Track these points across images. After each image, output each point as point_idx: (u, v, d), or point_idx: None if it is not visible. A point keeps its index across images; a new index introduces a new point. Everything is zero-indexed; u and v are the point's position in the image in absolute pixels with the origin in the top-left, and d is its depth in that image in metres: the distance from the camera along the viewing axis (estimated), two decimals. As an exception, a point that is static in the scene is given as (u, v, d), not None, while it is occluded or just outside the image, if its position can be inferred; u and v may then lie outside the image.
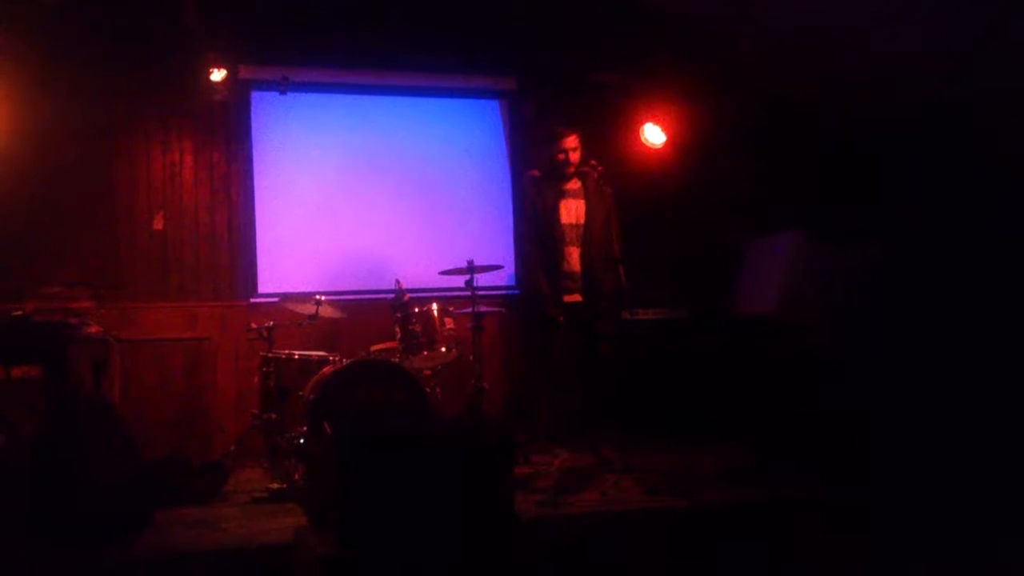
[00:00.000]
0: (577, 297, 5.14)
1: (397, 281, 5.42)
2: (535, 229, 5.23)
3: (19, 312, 4.40)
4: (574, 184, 5.23)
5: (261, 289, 6.24)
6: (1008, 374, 5.01)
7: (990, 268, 5.38)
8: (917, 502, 4.21)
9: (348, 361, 5.01)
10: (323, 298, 5.30)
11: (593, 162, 5.12)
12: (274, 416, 5.10)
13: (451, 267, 5.44)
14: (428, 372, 5.47)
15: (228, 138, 6.26)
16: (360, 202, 6.52)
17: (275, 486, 4.70)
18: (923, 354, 5.16)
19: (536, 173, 5.24)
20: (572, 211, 5.20)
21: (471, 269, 5.34)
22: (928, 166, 5.88)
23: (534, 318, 5.31)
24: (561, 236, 5.13)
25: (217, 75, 5.81)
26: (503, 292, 6.60)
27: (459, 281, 5.44)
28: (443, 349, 5.26)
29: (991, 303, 5.31)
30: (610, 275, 4.95)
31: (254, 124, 6.35)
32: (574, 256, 5.17)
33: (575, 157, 5.17)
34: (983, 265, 5.41)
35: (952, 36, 5.26)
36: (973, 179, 5.72)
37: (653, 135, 6.27)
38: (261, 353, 5.26)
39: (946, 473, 4.44)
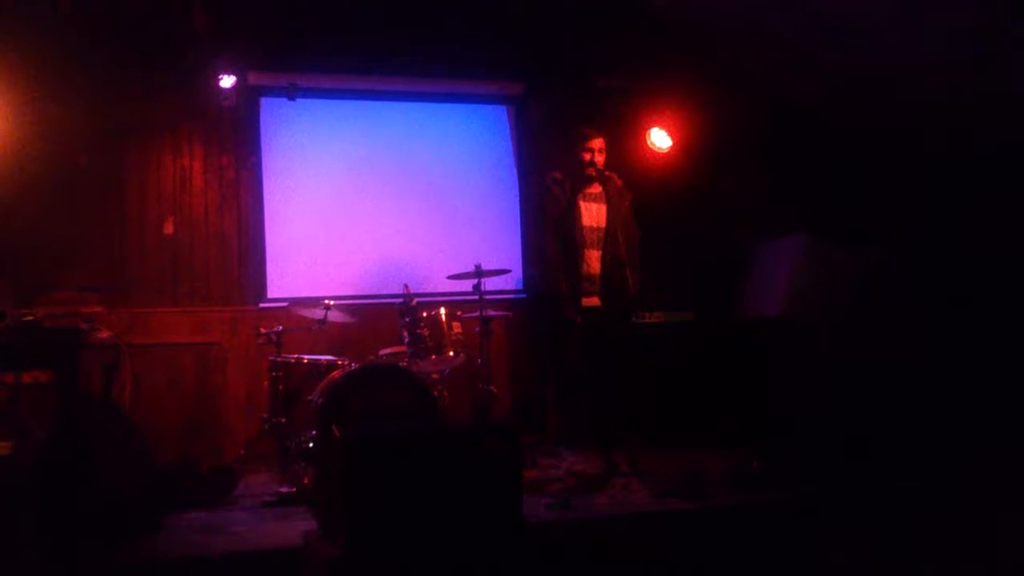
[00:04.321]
0: (595, 301, 5.09)
1: (405, 285, 5.43)
2: (556, 230, 5.12)
3: (30, 317, 4.42)
4: (595, 188, 5.19)
5: (270, 294, 6.27)
6: (1012, 374, 5.01)
7: (993, 271, 5.37)
8: (919, 501, 4.22)
9: (357, 365, 5.02)
10: (332, 303, 5.32)
11: (614, 174, 5.13)
12: (283, 420, 5.12)
13: (459, 271, 5.46)
14: (436, 376, 5.48)
15: (237, 144, 6.29)
16: (368, 207, 6.54)
17: (284, 490, 4.72)
18: (928, 354, 5.16)
19: (559, 175, 5.20)
20: (593, 214, 5.16)
21: (479, 273, 5.35)
22: (933, 168, 5.88)
23: (550, 319, 5.20)
24: (581, 239, 5.08)
25: (226, 81, 5.87)
26: (511, 296, 6.61)
27: (467, 285, 5.46)
28: (451, 353, 5.27)
29: (994, 305, 5.30)
30: (634, 278, 4.95)
31: (263, 130, 6.38)
32: (594, 259, 5.10)
33: (600, 159, 5.14)
34: (986, 268, 5.40)
35: (957, 39, 5.26)
36: (977, 181, 5.71)
37: (659, 139, 6.30)
38: (270, 357, 5.29)
39: (949, 472, 4.44)
